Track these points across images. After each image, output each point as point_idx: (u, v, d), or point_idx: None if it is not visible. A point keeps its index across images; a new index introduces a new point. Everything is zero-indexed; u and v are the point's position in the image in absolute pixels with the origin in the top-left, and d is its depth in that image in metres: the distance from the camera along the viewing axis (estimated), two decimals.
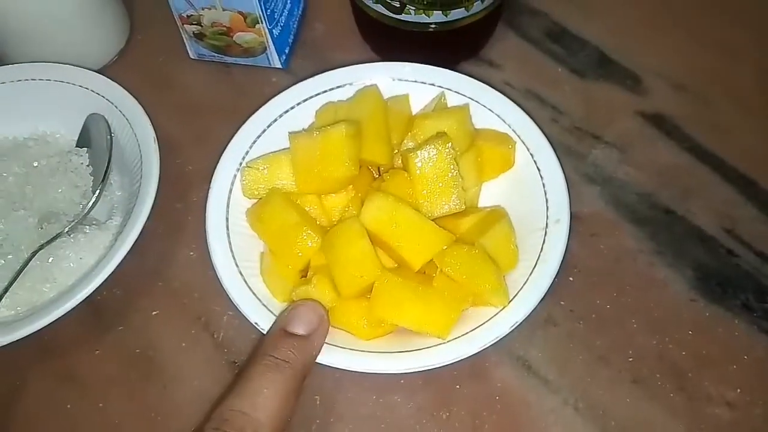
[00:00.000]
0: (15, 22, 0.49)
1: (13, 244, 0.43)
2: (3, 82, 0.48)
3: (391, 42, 0.51)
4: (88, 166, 0.46)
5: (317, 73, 0.48)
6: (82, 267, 0.43)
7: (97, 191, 0.44)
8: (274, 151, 0.44)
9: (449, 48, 0.51)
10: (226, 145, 0.44)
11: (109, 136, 0.45)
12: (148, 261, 0.45)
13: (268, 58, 0.53)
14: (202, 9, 0.49)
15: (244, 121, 0.45)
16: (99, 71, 0.49)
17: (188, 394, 0.41)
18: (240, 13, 0.49)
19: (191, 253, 0.46)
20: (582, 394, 0.40)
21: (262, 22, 0.49)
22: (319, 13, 0.57)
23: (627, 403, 0.40)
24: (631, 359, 0.41)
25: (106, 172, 0.44)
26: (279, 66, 0.53)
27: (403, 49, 0.50)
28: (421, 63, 0.47)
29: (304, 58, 0.55)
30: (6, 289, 0.40)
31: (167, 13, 0.51)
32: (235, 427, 0.31)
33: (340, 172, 0.40)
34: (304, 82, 0.46)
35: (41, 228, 0.43)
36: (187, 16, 0.50)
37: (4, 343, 0.38)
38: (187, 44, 0.54)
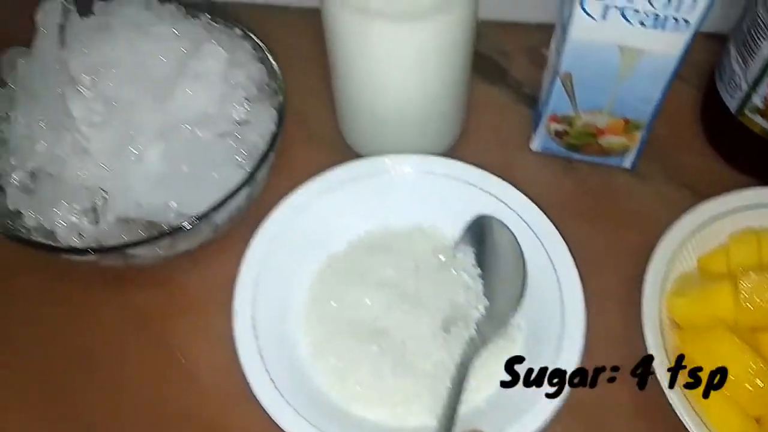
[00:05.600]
0: (371, 117, 0.49)
1: (418, 346, 0.42)
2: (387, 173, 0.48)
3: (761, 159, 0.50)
4: (474, 266, 0.46)
5: (666, 177, 0.50)
6: (490, 375, 0.42)
7: (517, 307, 0.43)
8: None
9: None
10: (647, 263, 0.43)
11: (517, 248, 0.44)
12: None
13: (620, 159, 0.52)
14: (584, 111, 0.48)
15: (660, 236, 0.44)
16: None
17: None
18: (624, 119, 0.48)
19: None
20: None
21: (642, 129, 0.48)
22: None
23: None
24: None
25: (523, 286, 0.43)
26: (627, 167, 0.53)
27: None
28: None
29: (648, 159, 0.53)
30: (455, 407, 0.39)
31: (498, 100, 0.51)
32: None
33: None
34: (712, 201, 0.45)
35: (447, 332, 0.43)
36: (562, 116, 0.49)
37: None
38: (536, 138, 0.53)
